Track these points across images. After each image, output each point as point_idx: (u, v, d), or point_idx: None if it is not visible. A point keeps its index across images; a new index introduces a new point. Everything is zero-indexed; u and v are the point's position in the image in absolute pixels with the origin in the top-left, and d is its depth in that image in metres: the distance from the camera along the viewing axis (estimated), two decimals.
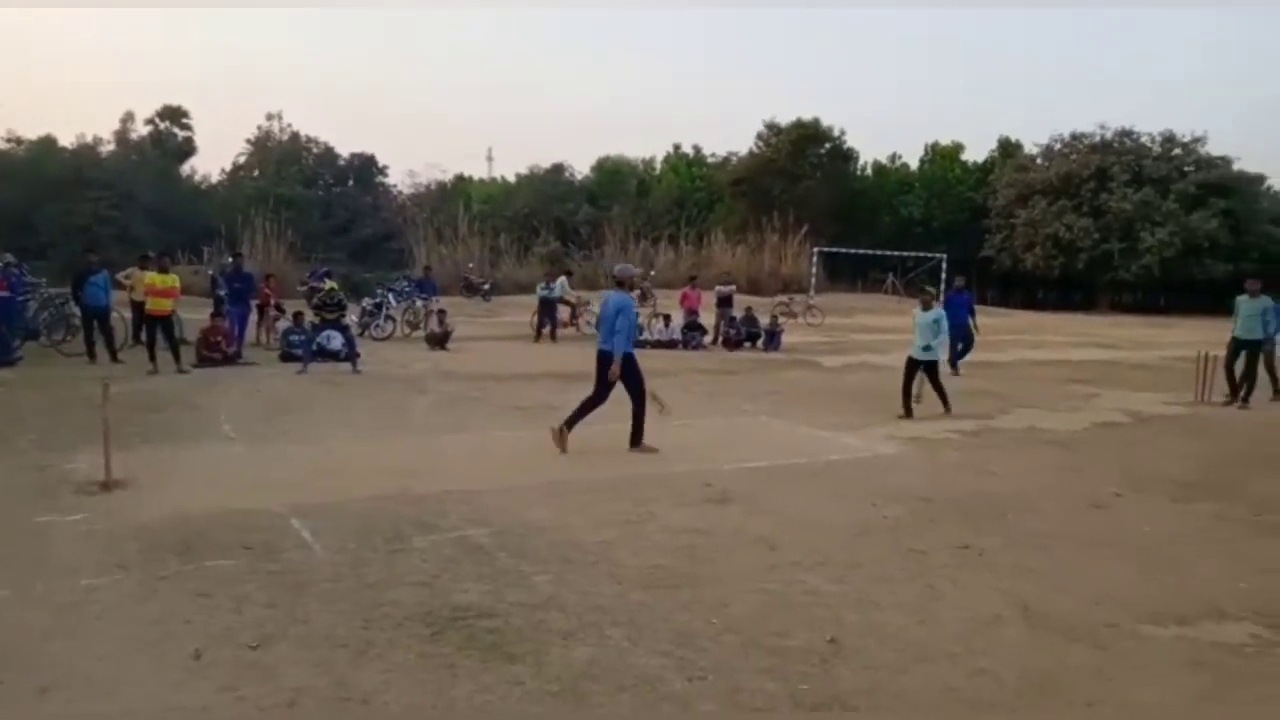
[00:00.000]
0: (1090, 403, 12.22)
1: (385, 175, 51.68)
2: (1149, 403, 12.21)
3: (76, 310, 14.98)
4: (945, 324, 10.67)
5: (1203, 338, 13.21)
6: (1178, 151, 41.37)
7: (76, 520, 5.60)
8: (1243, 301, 12.18)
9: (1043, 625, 4.36)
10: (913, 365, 10.63)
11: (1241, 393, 11.93)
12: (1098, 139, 42.12)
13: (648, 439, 8.31)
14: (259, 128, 50.11)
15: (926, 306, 10.77)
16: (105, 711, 3.25)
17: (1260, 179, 43.29)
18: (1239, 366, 12.07)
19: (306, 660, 3.71)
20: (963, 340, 14.63)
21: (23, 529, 5.42)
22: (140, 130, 47.42)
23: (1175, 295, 42.92)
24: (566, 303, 20.71)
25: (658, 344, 18.25)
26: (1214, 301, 35.11)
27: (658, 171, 50.55)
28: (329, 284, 15.37)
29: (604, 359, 8.21)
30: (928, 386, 10.78)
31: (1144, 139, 41.81)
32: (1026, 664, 3.91)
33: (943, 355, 10.84)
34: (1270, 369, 12.15)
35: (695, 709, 3.42)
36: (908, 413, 10.42)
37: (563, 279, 20.94)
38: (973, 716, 3.46)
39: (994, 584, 4.93)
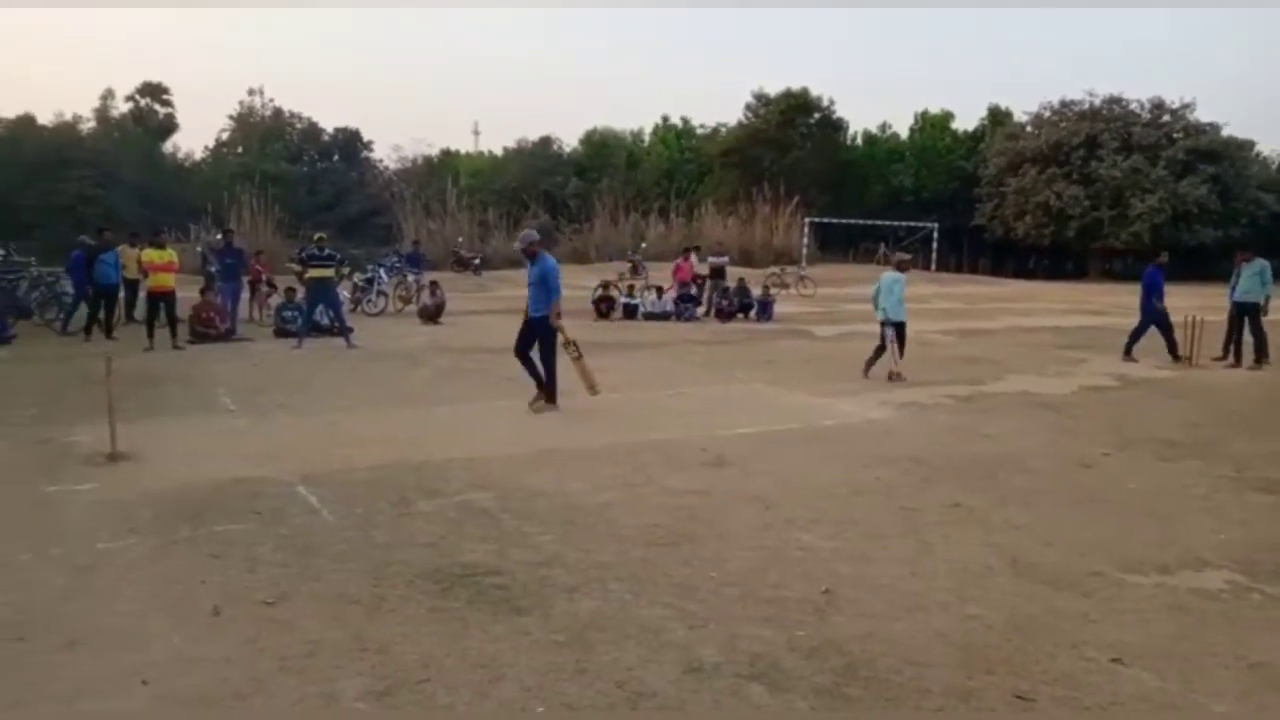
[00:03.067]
0: (1080, 367, 12.40)
1: (371, 150, 51.28)
2: (1137, 367, 12.40)
3: (69, 289, 15.03)
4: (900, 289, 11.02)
5: (1192, 304, 13.43)
6: (1167, 118, 41.37)
7: (86, 490, 5.71)
8: (1243, 267, 12.51)
9: (1030, 575, 4.53)
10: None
11: (1259, 355, 12.26)
12: (1087, 106, 42.05)
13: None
14: (241, 103, 49.64)
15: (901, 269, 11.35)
16: (133, 663, 3.38)
17: (1249, 144, 43.40)
18: (1247, 334, 12.35)
19: (322, 615, 3.84)
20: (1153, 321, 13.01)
21: (34, 499, 5.53)
22: (121, 108, 46.94)
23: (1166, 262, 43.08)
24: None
25: (650, 316, 18.35)
26: (1203, 268, 35.32)
27: (646, 143, 50.26)
28: (318, 235, 15.11)
29: (536, 325, 8.64)
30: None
31: (1133, 105, 41.77)
32: (1014, 610, 4.08)
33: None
34: (1258, 333, 12.38)
35: (696, 653, 3.56)
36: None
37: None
38: (962, 656, 3.61)
39: (984, 539, 5.09)
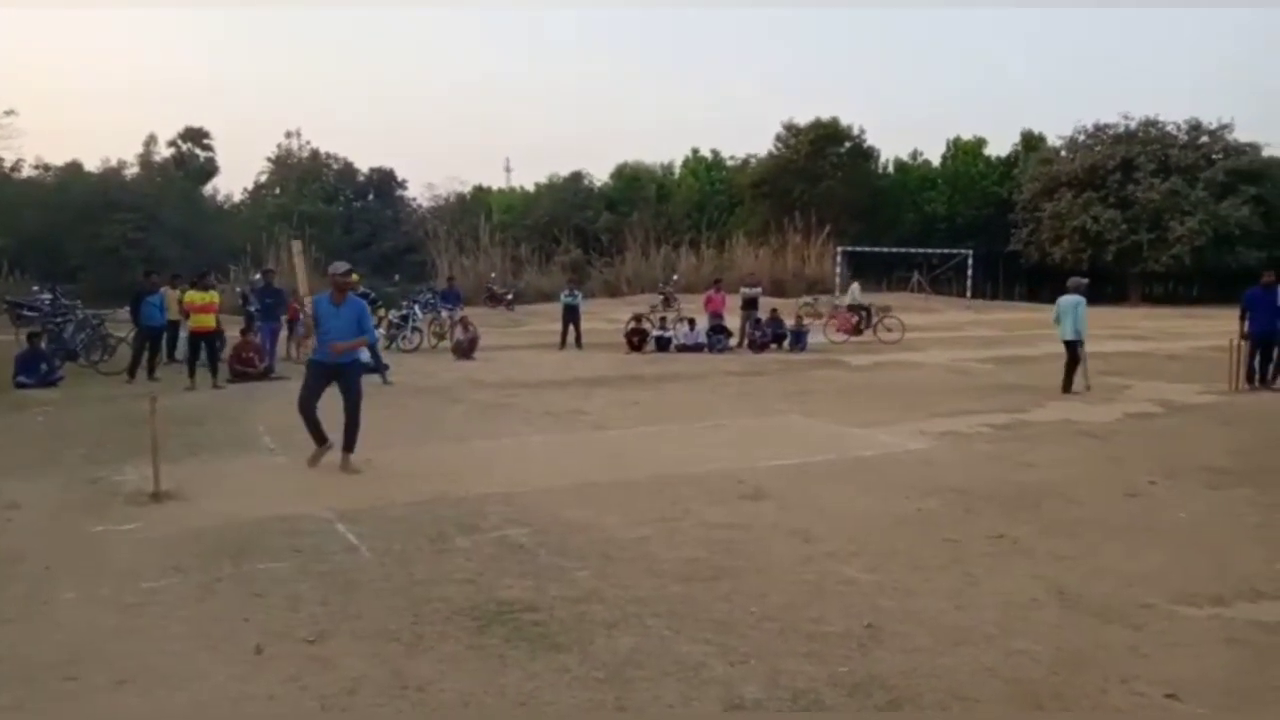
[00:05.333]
0: (1123, 394, 12.17)
1: (405, 188, 52.18)
2: (1182, 393, 12.15)
3: (112, 331, 15.40)
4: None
5: (1235, 327, 13.10)
6: (1204, 139, 40.80)
7: (131, 529, 5.80)
8: (1258, 295, 12.25)
9: (1078, 607, 4.42)
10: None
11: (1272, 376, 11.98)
12: (1122, 129, 41.63)
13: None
14: (279, 146, 50.91)
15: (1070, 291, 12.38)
16: (180, 701, 3.41)
17: None
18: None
19: (362, 653, 3.85)
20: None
21: (81, 538, 5.63)
22: (163, 152, 48.32)
23: (1208, 285, 42.28)
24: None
25: (683, 348, 18.35)
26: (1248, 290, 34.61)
27: (677, 176, 50.62)
28: (354, 276, 15.37)
29: (348, 371, 7.70)
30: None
31: (1169, 128, 41.26)
32: (1062, 643, 3.98)
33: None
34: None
35: (738, 690, 3.52)
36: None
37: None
38: (1009, 691, 3.53)
39: (1029, 570, 4.99)
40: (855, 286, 23.16)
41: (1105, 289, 44.41)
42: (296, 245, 8.55)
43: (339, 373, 7.64)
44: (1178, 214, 38.34)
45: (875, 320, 21.03)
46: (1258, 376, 12.37)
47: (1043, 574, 4.91)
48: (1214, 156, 40.05)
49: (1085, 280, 12.97)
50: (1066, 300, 12.22)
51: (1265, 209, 38.53)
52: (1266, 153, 40.33)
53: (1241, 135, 40.51)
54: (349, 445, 7.60)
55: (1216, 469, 7.53)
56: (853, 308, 21.91)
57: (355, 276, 15.03)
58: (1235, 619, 4.30)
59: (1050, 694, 3.52)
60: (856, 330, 20.91)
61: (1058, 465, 7.72)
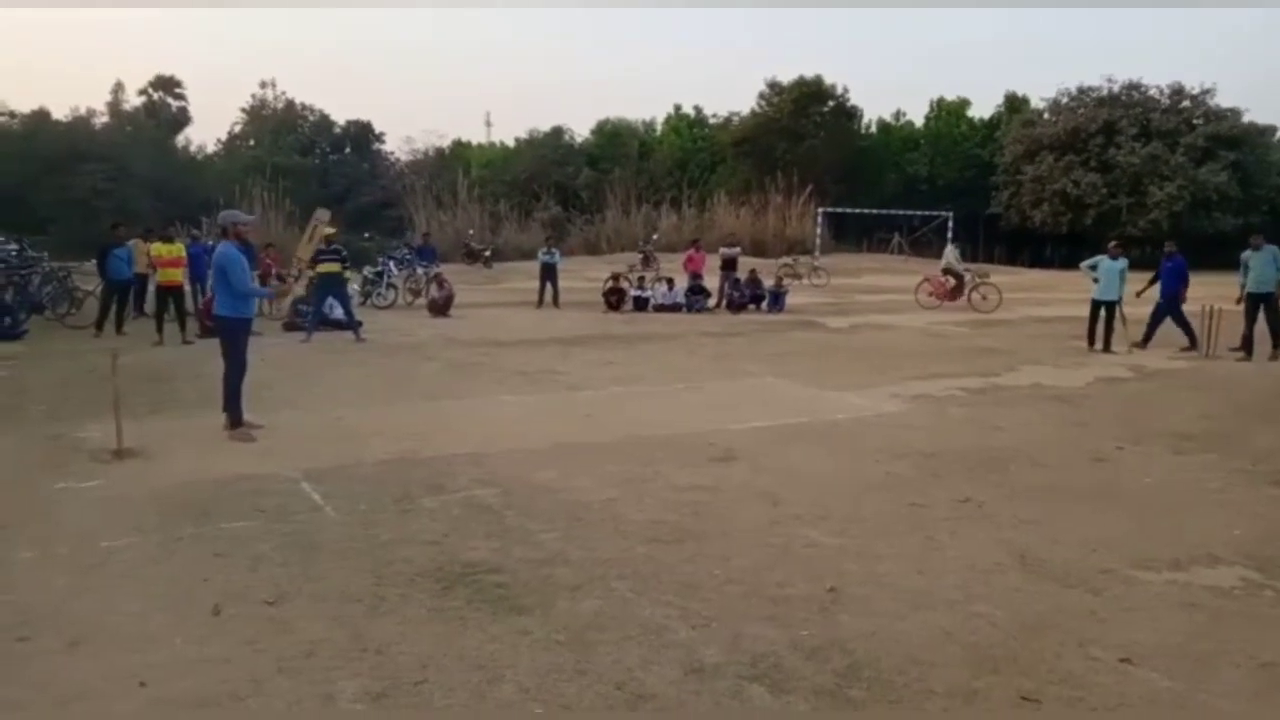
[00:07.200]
0: (1095, 359, 12.27)
1: (382, 142, 51.36)
2: (1153, 358, 12.26)
3: (79, 284, 15.10)
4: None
5: (1210, 292, 13.19)
6: (1186, 104, 40.77)
7: (92, 486, 5.72)
8: (1250, 256, 12.18)
9: (1039, 572, 4.46)
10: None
11: (1276, 345, 12.01)
12: (1105, 93, 41.51)
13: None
14: (253, 96, 49.84)
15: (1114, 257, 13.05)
16: (132, 664, 3.37)
17: (1271, 130, 42.64)
18: (1260, 322, 12.09)
19: (322, 615, 3.83)
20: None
21: (41, 496, 5.54)
22: (133, 101, 47.18)
23: (1184, 250, 42.39)
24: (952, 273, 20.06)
25: (661, 307, 18.29)
26: (1223, 255, 34.83)
27: (659, 133, 50.08)
28: (327, 230, 15.22)
29: (221, 324, 7.43)
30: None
31: (1152, 91, 41.18)
32: (1022, 608, 4.02)
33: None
34: (1274, 321, 12.15)
35: (698, 654, 3.52)
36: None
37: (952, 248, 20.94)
38: (967, 655, 3.56)
39: (993, 535, 5.03)
40: (951, 250, 21.01)
41: (1083, 253, 44.67)
42: (324, 214, 8.22)
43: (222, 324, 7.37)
44: (1157, 178, 38.43)
45: (970, 287, 19.66)
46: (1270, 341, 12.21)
47: (1006, 538, 4.95)
48: (1195, 121, 40.07)
49: (1116, 243, 13.70)
50: (1111, 264, 12.88)
51: (1242, 175, 38.69)
52: (1246, 118, 40.42)
53: (1224, 100, 40.55)
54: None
55: (1182, 434, 7.61)
56: (947, 272, 20.26)
57: (329, 231, 14.89)
58: (1192, 583, 4.36)
59: (1007, 658, 3.55)
60: (952, 297, 19.69)
61: (1027, 429, 7.78)
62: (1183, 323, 12.95)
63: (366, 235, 29.42)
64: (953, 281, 20.09)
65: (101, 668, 3.37)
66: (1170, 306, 13.00)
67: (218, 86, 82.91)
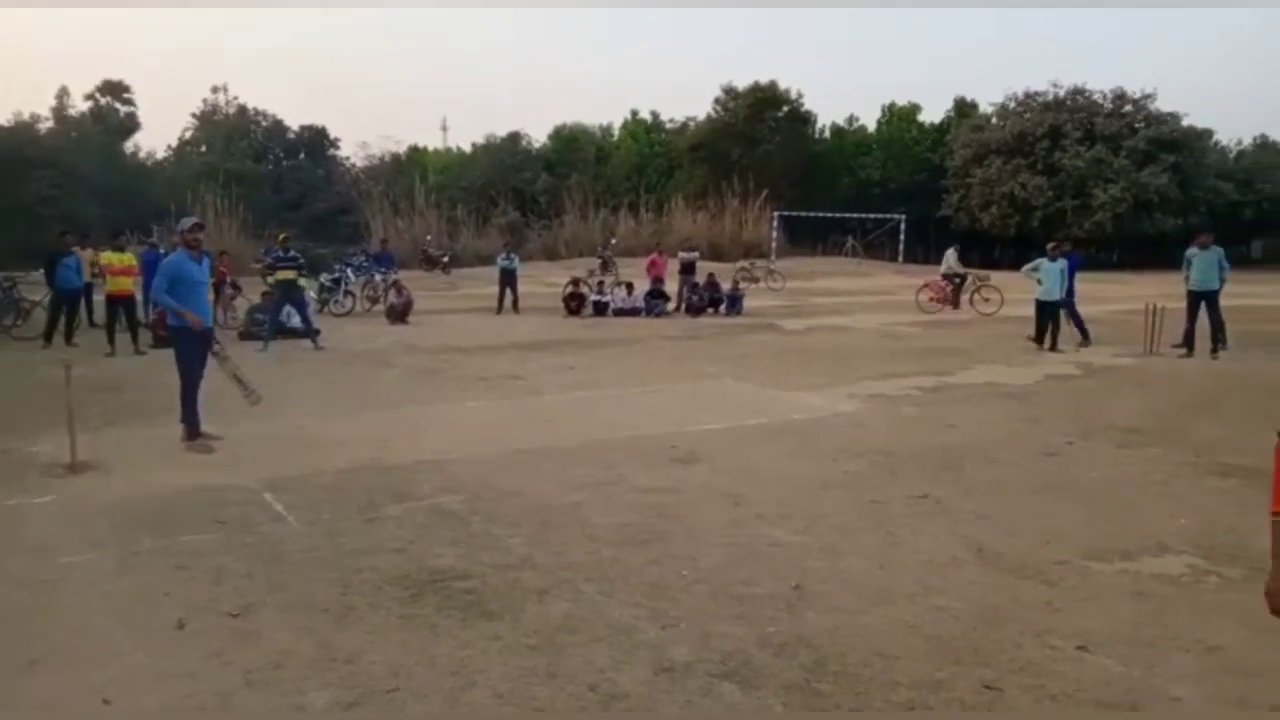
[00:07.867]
0: (1045, 356, 12.58)
1: (337, 148, 50.58)
2: (1100, 355, 12.60)
3: (26, 295, 14.72)
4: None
5: (1152, 291, 13.64)
6: (1128, 108, 41.92)
7: (46, 501, 5.60)
8: (1195, 254, 12.52)
9: (996, 565, 4.59)
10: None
11: (1216, 342, 12.35)
12: (1050, 97, 42.54)
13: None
14: (204, 101, 48.86)
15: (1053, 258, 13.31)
16: (95, 681, 3.32)
17: (1208, 133, 44.04)
18: (1202, 319, 12.43)
19: (289, 625, 3.80)
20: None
21: None
22: (80, 106, 45.98)
23: (1127, 250, 43.75)
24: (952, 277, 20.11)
25: (620, 312, 18.34)
26: (1164, 255, 35.88)
27: (616, 138, 50.14)
28: (282, 235, 15.07)
29: (169, 333, 7.42)
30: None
31: (1096, 96, 42.29)
32: (980, 600, 4.13)
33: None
34: (1216, 319, 12.53)
35: (668, 653, 3.57)
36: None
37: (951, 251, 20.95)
38: (929, 648, 3.65)
39: (950, 529, 5.15)
40: (951, 253, 20.95)
41: (1030, 255, 45.64)
42: None
43: (207, 338, 7.32)
44: (1101, 181, 39.44)
45: (971, 290, 19.83)
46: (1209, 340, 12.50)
47: (963, 533, 5.08)
48: (1136, 125, 41.20)
49: (1056, 244, 13.93)
50: (1051, 265, 13.25)
51: (1182, 177, 39.90)
52: (1186, 122, 41.67)
53: (1163, 105, 41.77)
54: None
55: (1129, 429, 7.85)
56: (947, 276, 20.37)
57: (285, 237, 14.71)
58: (1141, 572, 4.51)
59: (968, 648, 3.65)
60: (954, 301, 19.80)
61: (980, 426, 7.96)
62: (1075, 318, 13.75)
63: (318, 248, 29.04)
64: (951, 286, 20.26)
65: (63, 686, 3.31)
66: (1067, 301, 13.63)
67: (168, 92, 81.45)
